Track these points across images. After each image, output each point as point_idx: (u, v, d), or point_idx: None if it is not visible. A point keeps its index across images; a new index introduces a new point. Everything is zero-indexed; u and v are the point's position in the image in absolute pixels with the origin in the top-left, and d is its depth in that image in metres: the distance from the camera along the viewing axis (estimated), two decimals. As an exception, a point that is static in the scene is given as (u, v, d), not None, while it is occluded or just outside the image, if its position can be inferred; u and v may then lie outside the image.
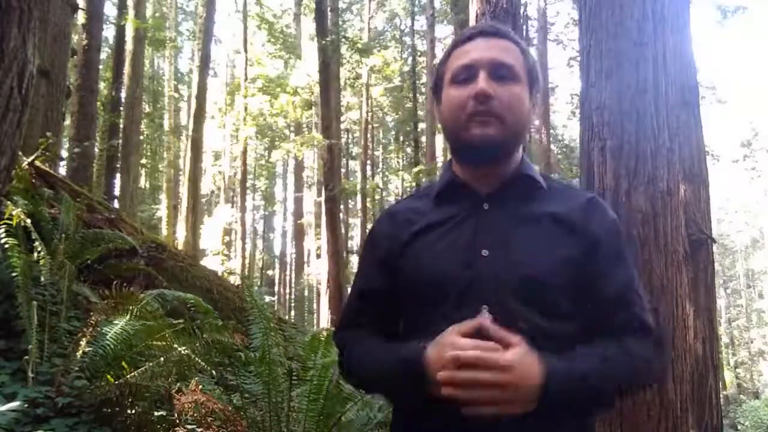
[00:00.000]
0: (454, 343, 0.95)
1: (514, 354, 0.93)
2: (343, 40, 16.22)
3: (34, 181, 5.12)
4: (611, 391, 1.06)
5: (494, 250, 1.07)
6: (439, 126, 1.26)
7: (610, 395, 1.07)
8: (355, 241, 24.56)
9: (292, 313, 27.52)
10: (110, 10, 14.69)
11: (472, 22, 4.25)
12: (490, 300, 1.04)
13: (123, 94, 13.33)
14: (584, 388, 0.99)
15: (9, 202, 3.99)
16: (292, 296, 29.50)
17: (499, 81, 1.10)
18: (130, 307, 3.49)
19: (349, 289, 1.30)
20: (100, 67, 12.39)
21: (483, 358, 0.92)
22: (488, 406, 0.92)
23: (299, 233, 26.81)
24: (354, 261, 20.75)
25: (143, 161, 19.94)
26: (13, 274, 3.41)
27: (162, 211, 21.48)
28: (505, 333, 0.96)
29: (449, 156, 1.28)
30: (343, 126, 21.70)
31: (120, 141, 12.93)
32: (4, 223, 3.66)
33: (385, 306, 1.17)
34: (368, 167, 22.85)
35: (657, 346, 1.12)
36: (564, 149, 22.24)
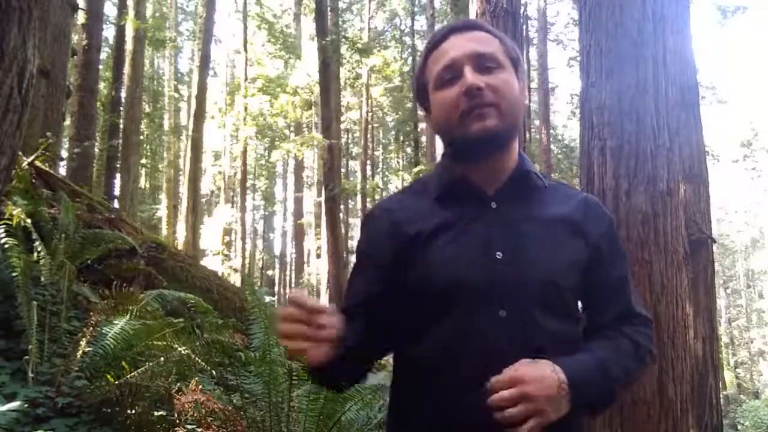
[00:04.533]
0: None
1: (520, 367, 0.95)
2: (343, 40, 16.21)
3: (34, 181, 5.12)
4: (627, 375, 1.08)
5: (508, 252, 1.06)
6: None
7: (626, 379, 1.09)
8: (354, 241, 24.48)
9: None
10: (110, 10, 14.72)
11: (472, 22, 4.25)
12: (507, 303, 1.03)
13: (123, 94, 13.33)
14: (608, 373, 1.02)
15: (9, 202, 3.99)
16: (292, 296, 29.41)
17: (484, 72, 1.08)
18: (130, 307, 3.50)
19: (345, 287, 1.24)
20: (100, 67, 12.39)
21: (500, 380, 0.94)
22: (525, 421, 0.92)
23: (299, 233, 26.81)
24: (354, 261, 20.70)
25: (143, 161, 19.95)
26: (13, 274, 3.41)
27: (162, 211, 21.47)
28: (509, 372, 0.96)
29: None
30: (343, 126, 21.70)
31: (120, 141, 12.92)
32: (4, 223, 3.67)
33: (384, 311, 1.13)
34: (368, 167, 22.85)
35: (650, 330, 1.16)
36: (564, 149, 22.24)
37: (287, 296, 0.95)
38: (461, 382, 1.01)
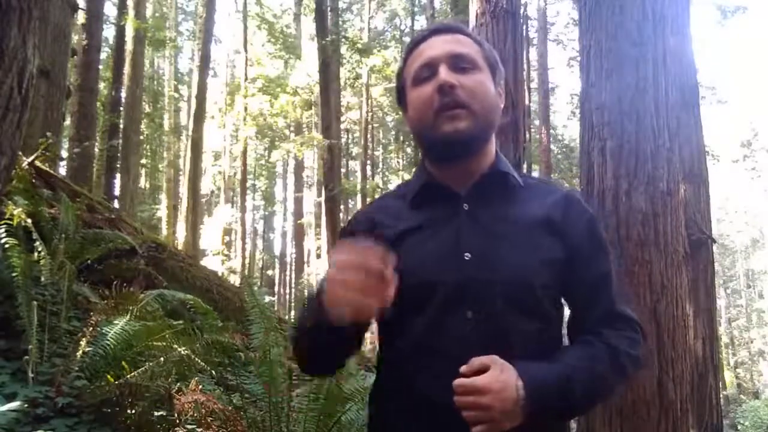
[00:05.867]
0: None
1: (486, 377, 0.94)
2: (343, 40, 16.22)
3: (34, 181, 5.12)
4: (598, 390, 1.06)
5: (477, 253, 1.05)
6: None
7: (601, 393, 1.08)
8: (355, 241, 24.47)
9: (292, 313, 27.50)
10: (110, 10, 14.70)
11: (472, 23, 4.25)
12: (475, 304, 1.03)
13: (123, 94, 13.33)
14: (571, 390, 1.00)
15: (9, 202, 3.99)
16: (292, 296, 29.49)
17: (460, 72, 1.09)
18: (130, 308, 3.50)
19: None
20: (100, 67, 12.38)
21: (463, 384, 0.94)
22: (478, 426, 0.93)
23: (299, 233, 26.80)
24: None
25: (143, 161, 19.93)
26: (13, 274, 3.40)
27: (162, 211, 21.47)
28: (478, 362, 0.96)
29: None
30: (343, 126, 21.70)
31: (120, 141, 12.92)
32: (5, 223, 3.66)
33: None
34: (368, 167, 22.85)
35: (637, 334, 1.12)
36: (564, 149, 22.26)
37: (340, 247, 0.91)
38: (433, 382, 1.01)
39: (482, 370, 0.95)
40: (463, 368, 0.95)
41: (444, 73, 1.07)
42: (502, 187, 1.13)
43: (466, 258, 1.05)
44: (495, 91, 1.13)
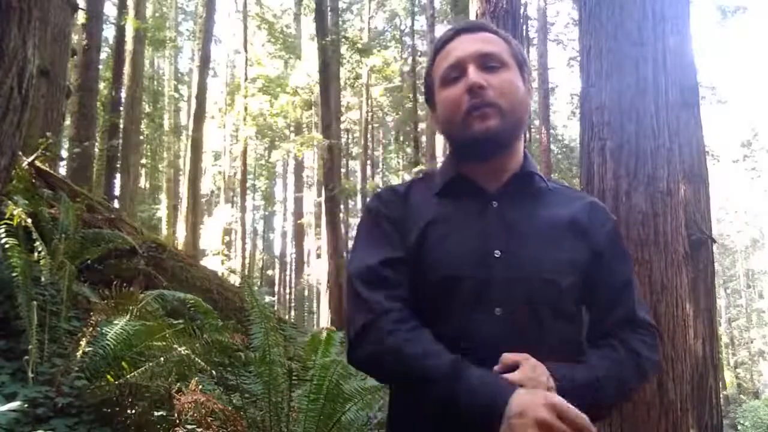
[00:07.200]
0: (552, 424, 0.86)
1: (517, 374, 0.94)
2: (343, 40, 16.23)
3: (34, 181, 5.12)
4: (623, 392, 1.08)
5: (507, 251, 1.06)
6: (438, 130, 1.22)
7: (622, 396, 1.09)
8: (355, 241, 24.47)
9: (292, 313, 27.52)
10: (110, 10, 14.70)
11: (472, 22, 4.25)
12: (503, 302, 1.04)
13: (123, 94, 13.33)
14: (600, 392, 1.01)
15: (9, 202, 3.99)
16: (292, 296, 29.49)
17: (488, 71, 1.09)
18: (130, 307, 3.49)
19: (350, 262, 1.16)
20: (100, 67, 12.39)
21: None
22: None
23: (299, 233, 26.80)
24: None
25: (143, 161, 19.93)
26: (13, 274, 3.40)
27: (162, 211, 21.47)
28: (510, 359, 0.96)
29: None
30: (343, 126, 21.68)
31: (120, 141, 12.92)
32: (5, 223, 3.66)
33: (409, 280, 1.08)
34: (368, 167, 22.87)
35: (656, 340, 1.15)
36: (564, 149, 22.29)
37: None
38: None
39: (514, 367, 0.95)
40: (496, 368, 0.96)
41: (473, 74, 1.08)
42: (530, 187, 1.14)
43: (496, 256, 1.06)
44: (524, 88, 1.14)
